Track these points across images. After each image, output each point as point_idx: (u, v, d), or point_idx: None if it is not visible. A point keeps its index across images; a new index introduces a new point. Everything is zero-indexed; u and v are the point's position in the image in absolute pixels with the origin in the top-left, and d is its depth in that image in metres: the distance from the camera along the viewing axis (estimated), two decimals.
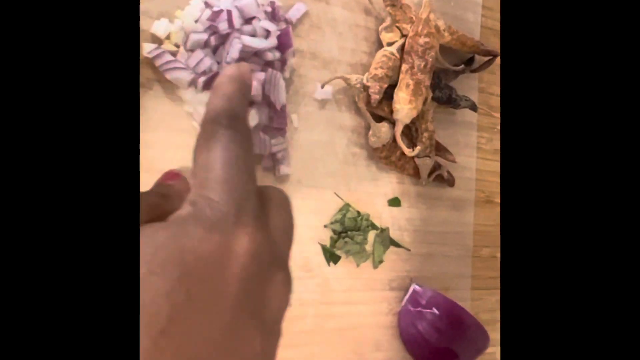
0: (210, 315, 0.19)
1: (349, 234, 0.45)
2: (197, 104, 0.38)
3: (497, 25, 0.54)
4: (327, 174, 0.45)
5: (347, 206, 0.45)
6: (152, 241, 0.20)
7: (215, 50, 0.38)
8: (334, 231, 0.45)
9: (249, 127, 0.25)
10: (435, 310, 0.48)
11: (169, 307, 0.18)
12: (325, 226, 0.45)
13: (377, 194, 0.47)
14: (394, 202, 0.48)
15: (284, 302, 0.22)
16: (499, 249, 0.55)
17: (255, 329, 0.20)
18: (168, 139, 0.38)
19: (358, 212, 0.46)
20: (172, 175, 0.30)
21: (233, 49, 0.37)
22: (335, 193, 0.45)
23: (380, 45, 0.47)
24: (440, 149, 0.49)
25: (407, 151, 0.46)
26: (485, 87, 0.54)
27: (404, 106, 0.45)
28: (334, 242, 0.45)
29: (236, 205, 0.21)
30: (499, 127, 0.55)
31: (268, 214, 0.23)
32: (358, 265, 0.46)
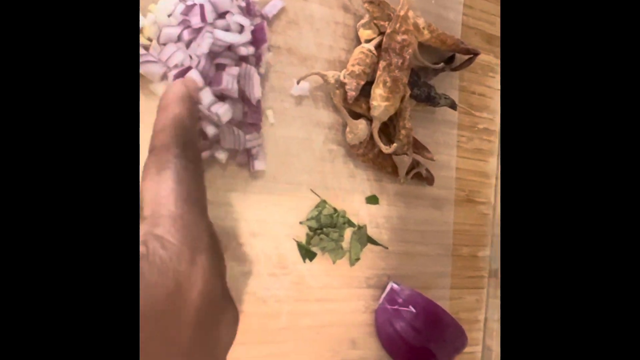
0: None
1: (324, 230, 0.45)
2: None
3: (479, 24, 0.54)
4: (303, 170, 0.45)
5: (323, 203, 0.45)
6: None
7: (188, 44, 0.38)
8: (310, 228, 0.45)
9: (199, 151, 0.24)
10: (412, 309, 0.48)
11: None
12: (300, 223, 0.44)
13: (354, 191, 0.47)
14: (372, 199, 0.48)
15: (233, 336, 0.21)
16: (479, 248, 0.55)
17: None
18: (141, 133, 0.38)
19: (334, 209, 0.46)
20: None
21: (204, 43, 0.37)
22: (311, 189, 0.45)
23: (358, 42, 0.47)
24: (418, 147, 0.49)
25: (384, 148, 0.45)
26: (466, 86, 0.54)
27: (381, 103, 0.45)
28: (309, 238, 0.45)
29: (190, 245, 0.20)
30: (480, 126, 0.55)
31: (216, 246, 0.22)
32: (334, 262, 0.46)
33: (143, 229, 0.20)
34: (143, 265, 0.19)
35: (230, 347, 0.22)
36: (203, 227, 0.22)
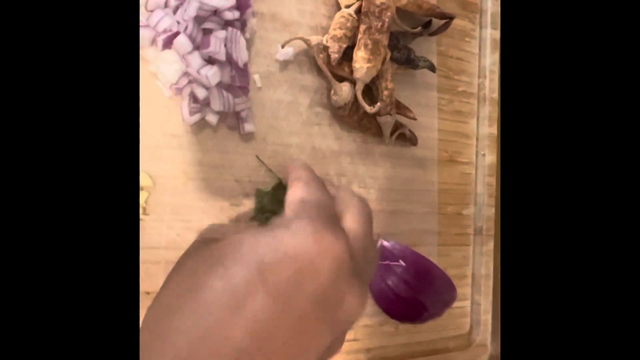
0: (291, 305, 0.21)
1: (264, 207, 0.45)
2: (159, 63, 0.39)
3: None
4: (291, 133, 0.46)
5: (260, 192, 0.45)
6: (270, 240, 0.22)
7: (175, 10, 0.40)
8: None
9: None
10: (402, 262, 0.50)
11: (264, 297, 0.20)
12: (252, 219, 0.45)
13: (341, 152, 0.49)
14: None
15: (355, 314, 0.23)
16: (463, 206, 0.57)
17: (326, 327, 0.22)
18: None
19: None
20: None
21: (190, 7, 0.38)
22: (256, 156, 0.47)
23: (339, 9, 0.49)
24: (400, 108, 0.51)
25: (369, 109, 0.47)
26: (444, 50, 0.56)
27: (363, 65, 0.46)
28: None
29: (332, 220, 0.24)
30: (459, 88, 0.57)
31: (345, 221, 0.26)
32: None
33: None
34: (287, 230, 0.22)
35: (350, 325, 0.24)
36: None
